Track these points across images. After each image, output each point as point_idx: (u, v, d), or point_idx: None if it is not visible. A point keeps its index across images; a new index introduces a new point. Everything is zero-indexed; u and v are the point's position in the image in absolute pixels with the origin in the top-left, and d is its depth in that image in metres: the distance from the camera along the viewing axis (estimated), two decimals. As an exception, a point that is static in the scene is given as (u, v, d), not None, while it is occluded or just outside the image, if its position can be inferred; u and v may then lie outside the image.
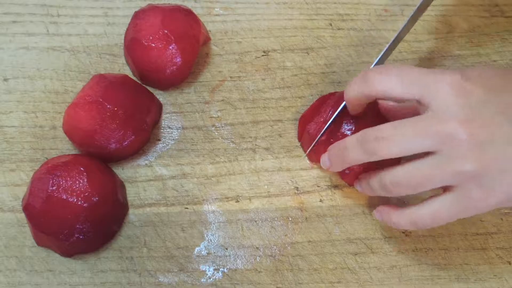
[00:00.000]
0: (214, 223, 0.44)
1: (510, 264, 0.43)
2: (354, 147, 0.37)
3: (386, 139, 0.34)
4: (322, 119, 0.44)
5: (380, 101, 0.43)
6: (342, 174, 0.44)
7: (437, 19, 0.51)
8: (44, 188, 0.41)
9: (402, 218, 0.38)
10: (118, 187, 0.44)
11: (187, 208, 0.45)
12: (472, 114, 0.33)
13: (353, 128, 0.42)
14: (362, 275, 0.43)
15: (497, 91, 0.34)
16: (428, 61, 0.49)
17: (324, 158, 0.42)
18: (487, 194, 0.33)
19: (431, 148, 0.34)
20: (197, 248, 0.44)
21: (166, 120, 0.48)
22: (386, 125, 0.35)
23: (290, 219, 0.45)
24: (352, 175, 0.43)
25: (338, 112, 0.42)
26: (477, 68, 0.36)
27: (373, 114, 0.43)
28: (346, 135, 0.42)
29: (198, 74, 0.49)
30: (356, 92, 0.38)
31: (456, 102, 0.33)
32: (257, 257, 0.44)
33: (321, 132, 0.43)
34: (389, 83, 0.35)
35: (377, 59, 0.43)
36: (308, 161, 0.46)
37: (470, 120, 0.33)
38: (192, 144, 0.47)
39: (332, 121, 0.43)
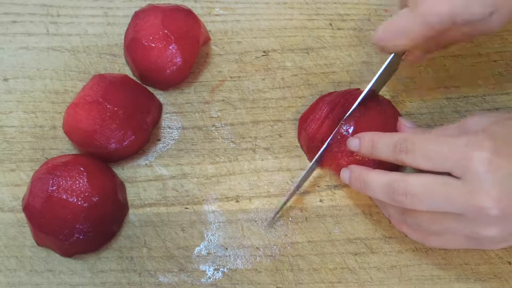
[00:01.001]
0: (214, 223, 0.44)
1: (510, 264, 0.43)
2: (379, 191, 0.37)
3: (414, 197, 0.35)
4: (317, 116, 0.44)
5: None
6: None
7: (437, 19, 0.51)
8: (44, 188, 0.41)
9: (414, 234, 0.40)
10: (118, 187, 0.44)
11: (187, 208, 0.45)
12: (504, 190, 0.33)
13: (353, 129, 0.42)
14: (362, 275, 0.43)
15: None
16: (428, 61, 0.49)
17: (344, 175, 0.41)
18: (498, 245, 0.36)
19: (458, 211, 0.34)
20: (197, 248, 0.44)
21: (166, 120, 0.48)
22: (416, 181, 0.35)
23: (290, 219, 0.45)
24: None
25: (336, 112, 0.43)
26: (505, 130, 0.36)
27: (374, 114, 0.43)
28: (346, 136, 0.42)
29: (198, 74, 0.49)
30: (385, 157, 0.38)
31: (487, 178, 0.33)
32: (257, 257, 0.44)
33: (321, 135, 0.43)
34: (417, 163, 0.35)
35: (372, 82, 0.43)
36: (308, 161, 0.46)
37: (502, 197, 0.33)
38: (192, 144, 0.47)
39: (330, 122, 0.43)
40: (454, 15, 0.35)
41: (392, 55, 0.40)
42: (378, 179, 0.37)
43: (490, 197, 0.33)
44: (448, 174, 0.34)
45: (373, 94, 0.43)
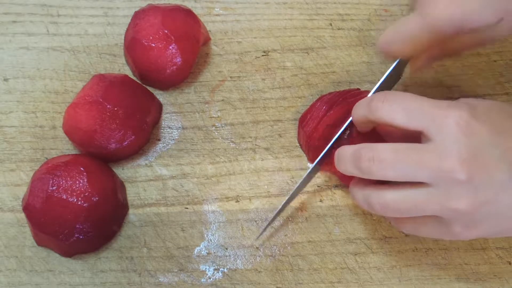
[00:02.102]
0: (214, 223, 0.44)
1: (510, 264, 0.43)
2: (348, 161, 0.36)
3: (383, 162, 0.34)
4: (315, 115, 0.44)
5: None
6: (340, 175, 0.44)
7: (437, 19, 0.51)
8: (44, 188, 0.41)
9: (393, 222, 0.40)
10: (118, 187, 0.44)
11: (187, 208, 0.45)
12: (474, 155, 0.32)
13: (350, 130, 0.42)
14: (362, 275, 0.43)
15: (504, 134, 0.33)
16: (428, 61, 0.49)
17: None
18: (469, 230, 0.34)
19: (427, 180, 0.33)
20: (197, 248, 0.44)
21: (166, 120, 0.48)
22: (384, 146, 0.34)
23: (290, 219, 0.45)
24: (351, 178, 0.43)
25: (334, 111, 0.43)
26: (486, 104, 0.35)
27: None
28: (344, 139, 0.42)
29: (198, 74, 0.49)
30: (360, 116, 0.37)
31: (460, 141, 0.32)
32: (257, 257, 0.44)
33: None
34: (393, 113, 0.34)
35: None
36: (307, 161, 0.46)
37: (472, 162, 0.32)
38: (192, 144, 0.47)
39: (328, 121, 0.43)
40: (463, 21, 0.34)
41: (397, 61, 0.40)
42: (347, 149, 0.37)
43: (459, 160, 0.32)
44: (418, 141, 0.34)
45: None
